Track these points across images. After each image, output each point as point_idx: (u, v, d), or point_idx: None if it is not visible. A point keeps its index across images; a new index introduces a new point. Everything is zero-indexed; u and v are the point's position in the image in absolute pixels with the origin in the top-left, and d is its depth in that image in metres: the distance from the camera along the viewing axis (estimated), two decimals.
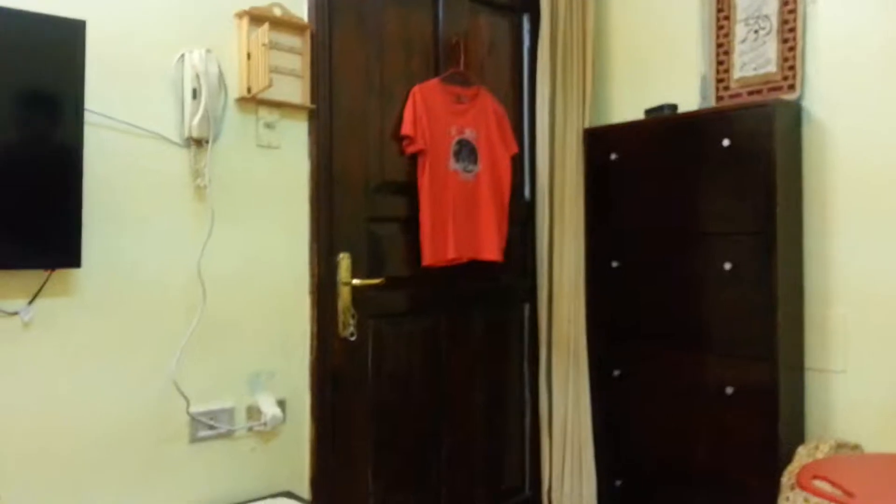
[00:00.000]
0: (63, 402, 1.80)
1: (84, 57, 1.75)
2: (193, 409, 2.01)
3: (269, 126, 2.17)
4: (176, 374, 1.97)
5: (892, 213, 2.34)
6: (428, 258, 2.50)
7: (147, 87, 1.95)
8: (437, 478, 2.63)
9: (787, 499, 2.22)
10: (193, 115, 1.98)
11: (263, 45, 2.05)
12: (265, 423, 2.12)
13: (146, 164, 1.94)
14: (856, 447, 2.34)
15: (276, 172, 2.20)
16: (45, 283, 1.77)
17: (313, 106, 2.24)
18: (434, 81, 2.56)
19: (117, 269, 1.89)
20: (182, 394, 1.98)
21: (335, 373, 2.33)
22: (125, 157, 1.91)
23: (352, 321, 2.34)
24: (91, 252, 1.83)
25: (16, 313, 1.73)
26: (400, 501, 2.50)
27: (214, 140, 2.03)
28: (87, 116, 1.80)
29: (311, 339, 2.28)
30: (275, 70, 2.12)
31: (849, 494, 1.74)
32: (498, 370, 2.82)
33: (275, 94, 2.14)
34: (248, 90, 2.08)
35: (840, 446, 2.31)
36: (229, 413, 2.10)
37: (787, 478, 2.27)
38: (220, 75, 2.04)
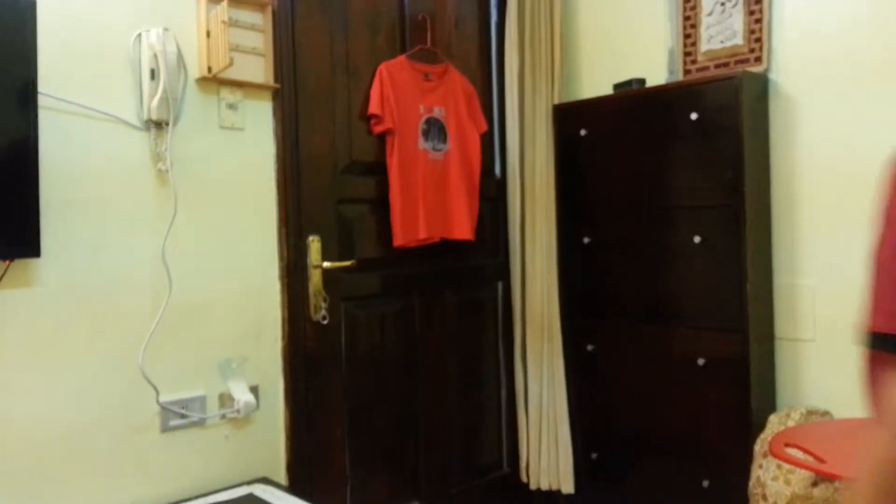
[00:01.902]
0: (27, 396, 1.75)
1: (35, 38, 1.68)
2: (163, 398, 1.97)
3: (231, 107, 2.11)
4: (144, 364, 1.93)
5: (859, 185, 2.36)
6: (399, 238, 2.47)
7: (103, 69, 1.88)
8: (414, 458, 2.62)
9: (761, 466, 2.25)
10: (152, 96, 1.92)
11: (223, 22, 1.99)
12: (238, 410, 2.09)
13: (105, 149, 1.88)
14: (825, 414, 2.38)
15: (241, 154, 2.15)
16: (3, 274, 1.71)
17: (277, 85, 2.19)
18: (401, 59, 2.52)
19: (79, 258, 1.84)
20: (151, 383, 1.94)
21: (308, 357, 2.30)
22: (83, 142, 1.85)
23: (323, 304, 2.31)
24: (50, 241, 1.78)
25: None
26: (378, 483, 2.49)
27: (175, 122, 1.97)
28: (42, 100, 1.73)
29: (283, 324, 2.25)
30: (235, 48, 2.06)
31: (820, 460, 1.77)
32: (472, 349, 2.82)
33: (236, 74, 2.08)
34: (209, 70, 2.02)
35: (811, 413, 2.35)
36: (201, 401, 2.06)
37: (760, 446, 2.30)
38: (179, 55, 1.98)
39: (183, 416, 2.01)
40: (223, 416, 2.10)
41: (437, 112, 2.61)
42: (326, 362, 2.35)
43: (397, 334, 2.57)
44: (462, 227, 2.65)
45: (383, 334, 2.52)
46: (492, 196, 2.88)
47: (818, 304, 2.46)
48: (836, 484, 2.09)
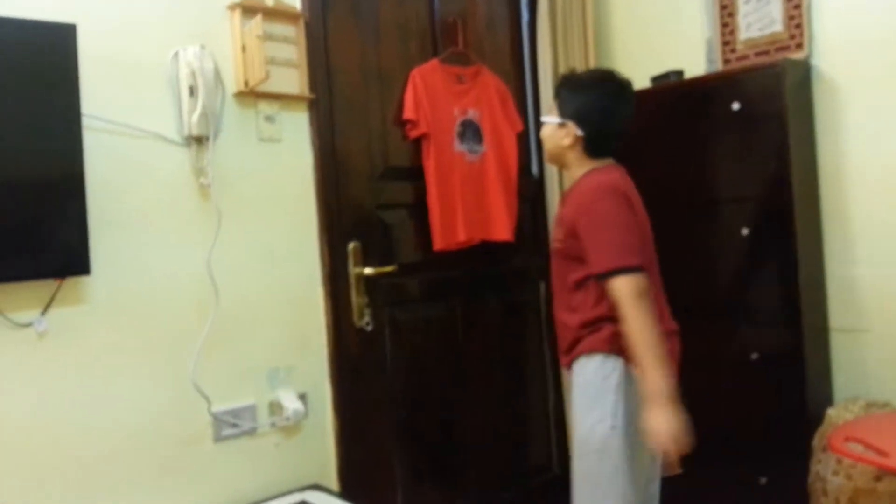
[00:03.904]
0: (82, 410, 1.80)
1: (77, 61, 1.72)
2: (215, 408, 2.00)
3: (269, 119, 2.14)
4: (195, 375, 1.96)
5: None
6: (439, 242, 2.47)
7: (143, 88, 1.92)
8: (462, 462, 2.61)
9: (819, 461, 2.19)
10: (192, 112, 1.95)
11: (257, 36, 2.02)
12: (288, 418, 2.11)
13: (148, 165, 1.92)
14: (886, 405, 2.30)
15: (280, 165, 2.17)
16: (56, 292, 1.75)
17: (312, 96, 2.21)
18: (433, 63, 2.52)
19: (127, 274, 1.88)
20: (202, 394, 1.97)
21: (354, 363, 2.31)
22: (126, 160, 1.89)
23: (366, 310, 2.32)
24: (99, 258, 1.82)
25: (30, 324, 1.72)
26: (428, 487, 2.49)
27: (215, 137, 2.00)
28: (85, 121, 1.77)
29: (327, 331, 2.26)
30: (271, 62, 2.08)
31: (882, 454, 1.71)
32: (517, 350, 2.80)
33: (273, 86, 2.10)
34: (246, 84, 2.05)
35: (870, 405, 2.27)
36: (251, 410, 2.09)
37: (818, 440, 2.23)
38: (216, 70, 2.01)
39: (234, 426, 2.04)
40: (273, 425, 2.12)
41: (472, 114, 2.60)
42: (372, 368, 2.36)
43: (440, 338, 2.57)
44: (501, 228, 2.63)
45: (427, 339, 2.52)
46: (530, 195, 2.86)
47: (872, 293, 2.38)
48: None
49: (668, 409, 1.66)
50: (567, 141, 1.88)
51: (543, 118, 1.96)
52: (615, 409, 1.77)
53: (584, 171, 1.90)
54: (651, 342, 1.68)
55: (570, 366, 1.89)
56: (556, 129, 1.91)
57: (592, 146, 1.88)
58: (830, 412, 2.28)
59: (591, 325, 1.82)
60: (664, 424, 1.65)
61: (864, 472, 2.05)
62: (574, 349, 1.86)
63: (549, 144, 1.95)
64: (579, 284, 1.84)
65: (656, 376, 1.66)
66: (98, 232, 1.81)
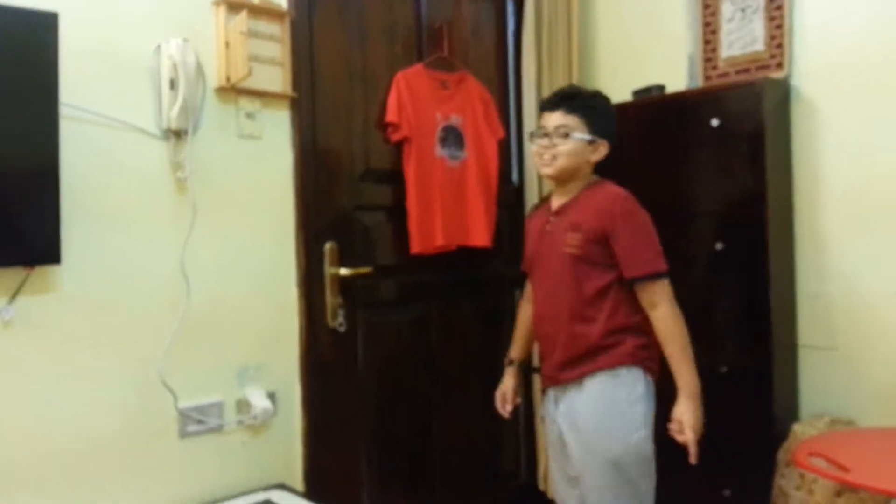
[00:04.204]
0: (44, 401, 1.78)
1: (57, 50, 1.71)
2: (182, 404, 1.99)
3: (249, 116, 2.14)
4: (162, 370, 1.95)
5: (884, 192, 2.32)
6: (416, 245, 2.47)
7: (123, 79, 1.91)
8: (431, 466, 2.61)
9: (783, 476, 2.21)
10: (172, 106, 1.94)
11: (242, 33, 2.01)
12: (255, 417, 2.10)
13: (125, 157, 1.91)
14: (850, 423, 2.33)
15: (259, 163, 2.17)
16: (24, 281, 1.74)
17: (295, 94, 2.21)
18: (418, 67, 2.53)
19: (99, 265, 1.86)
20: (170, 389, 1.96)
21: (325, 364, 2.30)
22: (103, 151, 1.87)
23: (340, 311, 2.32)
24: (71, 248, 1.80)
25: None
26: (395, 491, 2.49)
27: (194, 131, 2.00)
28: (63, 110, 1.76)
29: (300, 331, 2.26)
30: (254, 59, 2.08)
31: (844, 469, 1.73)
32: (490, 357, 2.79)
33: (255, 83, 2.10)
34: (228, 79, 2.05)
35: (835, 422, 2.30)
36: (218, 407, 2.08)
37: (783, 455, 2.26)
38: (198, 65, 2.00)
39: (200, 422, 2.03)
40: (240, 423, 2.11)
41: (454, 120, 2.61)
42: (343, 369, 2.35)
43: (414, 342, 2.57)
44: (479, 234, 2.64)
45: (400, 342, 2.52)
46: (510, 203, 2.88)
47: (842, 311, 2.41)
48: (862, 494, 2.05)
49: (697, 403, 1.85)
50: (595, 157, 1.96)
51: (575, 134, 1.92)
52: (646, 418, 1.89)
53: (585, 182, 1.99)
54: (686, 342, 1.87)
55: (579, 379, 1.90)
56: (585, 146, 1.94)
57: (600, 163, 2.00)
58: (796, 427, 2.31)
59: (612, 335, 1.88)
60: (693, 416, 1.84)
61: (825, 487, 2.08)
62: (589, 362, 1.88)
63: (574, 160, 1.94)
64: (601, 292, 1.89)
65: (690, 373, 1.85)
66: (71, 221, 1.80)
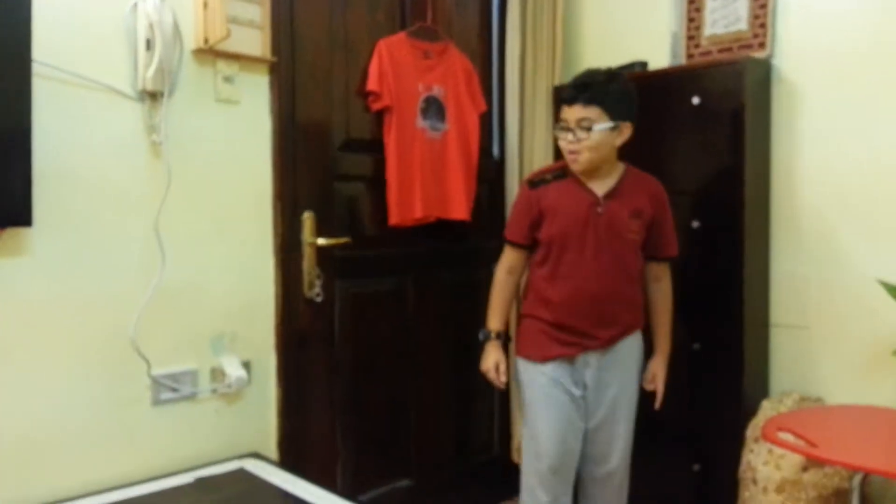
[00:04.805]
0: (16, 365, 1.74)
1: (30, 6, 1.66)
2: (155, 371, 1.97)
3: (227, 80, 2.09)
4: (135, 336, 1.92)
5: (860, 173, 2.35)
6: (395, 217, 2.45)
7: (99, 38, 1.86)
8: (405, 438, 2.62)
9: (752, 451, 2.25)
10: (147, 66, 1.89)
11: None
12: (230, 385, 2.08)
13: (99, 119, 1.86)
14: (818, 400, 2.38)
15: (237, 128, 2.13)
16: None
17: (274, 59, 2.17)
18: (400, 36, 2.49)
19: (71, 229, 1.82)
20: (143, 356, 1.93)
21: (301, 334, 2.29)
22: (77, 111, 1.82)
23: (317, 281, 2.30)
24: (43, 210, 1.75)
25: None
26: (368, 461, 2.49)
27: (170, 94, 1.95)
28: (36, 68, 1.71)
29: (276, 300, 2.24)
30: (233, 20, 2.03)
31: (812, 444, 1.77)
32: (466, 330, 2.80)
33: (233, 46, 2.05)
34: (206, 41, 2.00)
35: (803, 400, 2.35)
36: (192, 375, 2.06)
37: (752, 431, 2.30)
38: (175, 25, 1.95)
39: (174, 390, 2.01)
40: (214, 391, 2.10)
41: (437, 91, 2.59)
42: (319, 340, 2.34)
43: (391, 313, 2.56)
44: (459, 208, 2.63)
45: (377, 313, 2.51)
46: (490, 177, 2.86)
47: (814, 291, 2.45)
48: (827, 469, 2.10)
49: (667, 362, 2.27)
50: (620, 140, 2.06)
51: (596, 126, 2.00)
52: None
53: (620, 169, 2.14)
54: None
55: (616, 341, 2.15)
56: (608, 133, 2.02)
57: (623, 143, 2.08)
58: (765, 404, 2.35)
59: (641, 306, 2.22)
60: (665, 372, 2.26)
61: (792, 463, 2.13)
62: (633, 326, 2.18)
63: (600, 151, 2.04)
64: (640, 269, 2.18)
65: (669, 338, 2.27)
66: (43, 183, 1.75)
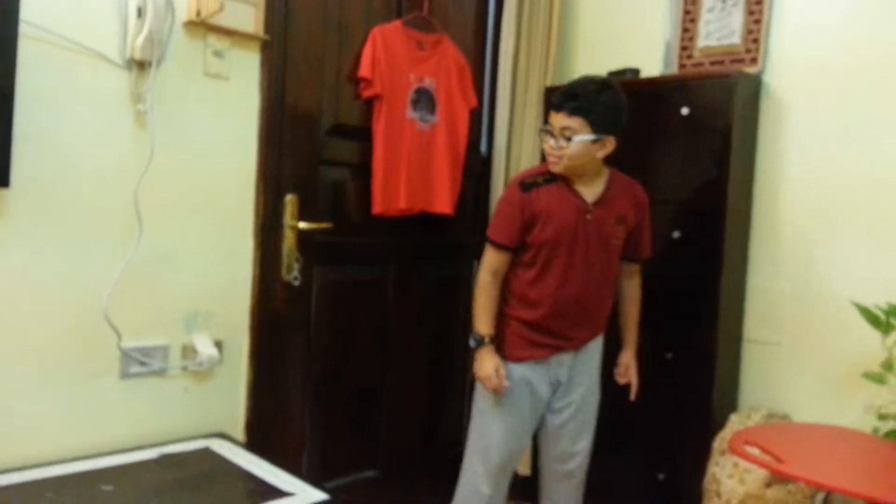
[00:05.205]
0: None
1: None
2: (125, 344, 1.94)
3: (217, 55, 2.06)
4: (107, 308, 1.89)
5: (842, 193, 2.37)
6: (378, 206, 2.44)
7: (89, 3, 1.82)
8: (375, 428, 2.61)
9: (717, 463, 2.27)
10: (137, 35, 1.86)
11: None
12: (201, 364, 2.06)
13: (84, 83, 1.83)
14: (785, 417, 2.40)
15: (224, 104, 2.10)
16: None
17: (267, 37, 2.14)
18: (396, 24, 2.48)
19: (49, 193, 1.79)
20: (113, 328, 1.90)
21: (276, 317, 2.27)
22: (62, 75, 1.79)
23: (296, 265, 2.28)
24: (21, 172, 1.72)
25: None
26: (336, 449, 2.48)
27: (158, 64, 1.91)
28: (23, 28, 1.67)
29: (253, 281, 2.21)
30: None
31: (779, 460, 1.78)
32: (443, 324, 2.80)
33: (225, 21, 2.02)
34: (198, 13, 1.97)
35: (771, 416, 2.37)
36: (163, 351, 2.03)
37: (719, 443, 2.31)
38: None
39: (143, 364, 1.98)
40: (185, 368, 2.07)
41: (428, 83, 2.57)
42: (294, 324, 2.32)
43: (369, 302, 2.55)
44: (443, 201, 2.62)
45: (354, 301, 2.50)
46: (476, 173, 2.86)
47: (788, 308, 2.47)
48: (790, 486, 2.12)
49: None
50: (602, 153, 2.06)
51: (576, 138, 2.01)
52: None
53: (606, 174, 2.15)
54: None
55: (588, 342, 2.22)
56: (589, 146, 2.03)
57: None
58: (733, 417, 2.37)
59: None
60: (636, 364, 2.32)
61: (756, 477, 2.14)
62: (602, 327, 2.25)
63: (580, 160, 2.05)
64: (615, 274, 2.22)
65: (637, 332, 2.33)
66: (22, 145, 1.71)
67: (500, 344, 2.16)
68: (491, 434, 2.16)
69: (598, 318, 2.22)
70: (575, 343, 2.17)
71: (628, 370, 2.31)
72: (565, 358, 2.17)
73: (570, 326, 2.14)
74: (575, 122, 2.00)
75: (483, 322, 2.14)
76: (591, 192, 2.12)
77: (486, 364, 2.11)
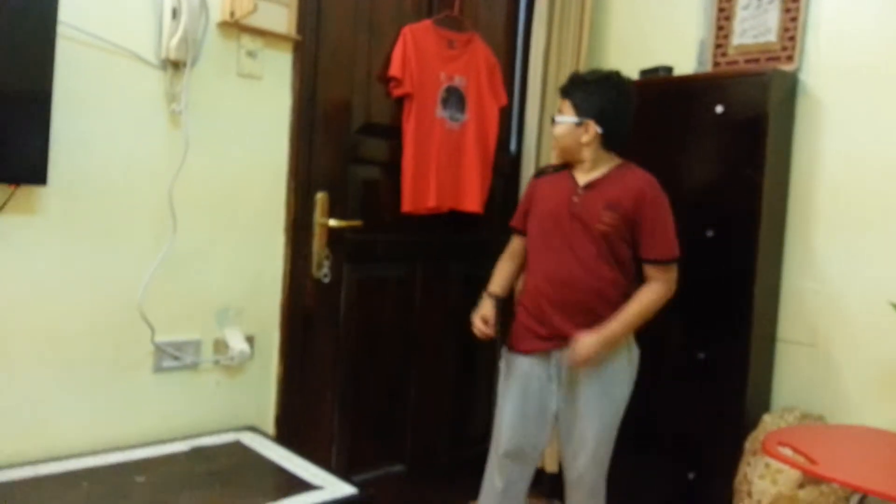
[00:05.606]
0: (24, 322, 1.76)
1: None
2: (158, 338, 1.98)
3: (251, 55, 2.09)
4: (142, 302, 1.93)
5: (877, 196, 2.32)
6: (408, 204, 2.45)
7: (126, 4, 1.87)
8: (402, 424, 2.62)
9: (749, 464, 2.24)
10: (172, 35, 1.90)
11: None
12: (232, 358, 2.09)
13: (120, 84, 1.87)
14: (819, 418, 2.36)
15: (257, 104, 2.13)
16: (8, 199, 1.70)
17: (299, 37, 2.17)
18: (426, 23, 2.49)
19: (85, 190, 1.83)
20: (147, 322, 1.94)
21: (306, 313, 2.29)
22: (99, 75, 1.83)
23: (326, 262, 2.30)
24: (58, 170, 1.77)
25: None
26: (364, 444, 2.50)
27: (193, 64, 1.95)
28: (61, 29, 1.72)
29: (284, 278, 2.24)
30: None
31: (812, 461, 1.75)
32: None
33: (259, 21, 2.06)
34: (232, 14, 2.00)
35: (805, 417, 2.33)
36: (195, 345, 2.07)
37: (751, 443, 2.28)
38: None
39: (176, 358, 2.02)
40: (216, 363, 2.10)
41: (458, 81, 2.58)
42: (324, 320, 2.35)
43: (397, 300, 2.56)
44: (472, 200, 2.62)
45: (383, 298, 2.52)
46: (505, 172, 2.86)
47: (823, 309, 2.43)
48: (823, 487, 2.08)
49: (599, 345, 2.03)
50: (585, 138, 2.08)
51: (558, 118, 2.12)
52: None
53: (610, 164, 2.13)
54: (644, 316, 2.09)
55: None
56: (573, 128, 2.09)
57: (610, 142, 2.10)
58: (766, 418, 2.33)
59: (609, 301, 2.07)
60: (586, 348, 2.02)
61: (788, 479, 2.11)
62: (603, 319, 2.04)
63: (565, 141, 2.12)
64: (624, 264, 2.09)
65: (620, 327, 2.04)
66: (61, 143, 1.76)
67: (510, 334, 2.23)
68: (500, 421, 2.20)
69: (588, 307, 2.05)
70: (566, 340, 2.05)
71: (576, 344, 2.01)
72: (556, 355, 2.13)
73: (554, 311, 2.08)
74: (564, 105, 2.12)
75: (491, 283, 2.30)
76: (587, 177, 2.12)
77: (477, 311, 2.25)
